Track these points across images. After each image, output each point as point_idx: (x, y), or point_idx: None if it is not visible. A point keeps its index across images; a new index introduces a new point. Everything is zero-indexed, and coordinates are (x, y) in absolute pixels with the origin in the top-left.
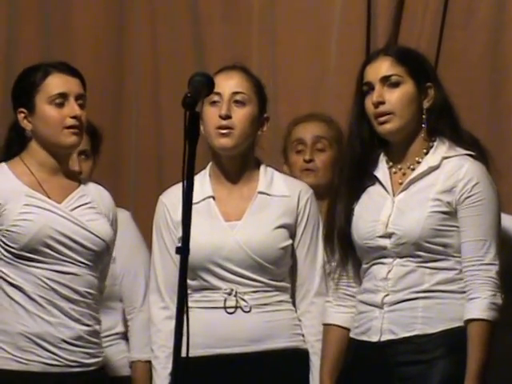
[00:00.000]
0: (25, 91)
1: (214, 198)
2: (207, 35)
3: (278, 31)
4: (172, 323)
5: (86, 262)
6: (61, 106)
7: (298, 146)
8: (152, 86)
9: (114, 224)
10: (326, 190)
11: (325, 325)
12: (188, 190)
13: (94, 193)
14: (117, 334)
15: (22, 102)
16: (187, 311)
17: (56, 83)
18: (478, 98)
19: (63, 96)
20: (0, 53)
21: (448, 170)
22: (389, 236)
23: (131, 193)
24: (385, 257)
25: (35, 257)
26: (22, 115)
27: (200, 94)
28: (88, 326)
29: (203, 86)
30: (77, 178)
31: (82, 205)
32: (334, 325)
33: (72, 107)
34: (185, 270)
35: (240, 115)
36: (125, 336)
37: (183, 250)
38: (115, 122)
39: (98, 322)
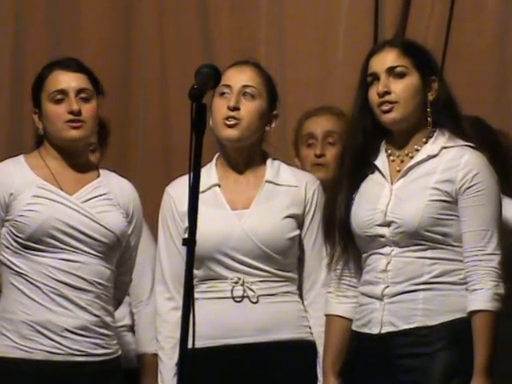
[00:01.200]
0: (34, 91)
1: (219, 185)
2: (215, 27)
3: (286, 23)
4: (177, 314)
5: (96, 253)
6: (60, 102)
7: (308, 140)
8: (159, 77)
9: (134, 216)
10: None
11: (326, 315)
12: (194, 182)
13: (113, 185)
14: (124, 326)
15: (34, 102)
16: (193, 302)
17: (55, 80)
18: (486, 90)
19: (62, 92)
20: (8, 48)
21: (448, 159)
22: (388, 224)
23: (139, 184)
24: (383, 246)
25: (41, 247)
26: (36, 116)
27: (206, 86)
28: (96, 316)
29: (210, 78)
30: (96, 170)
31: (96, 196)
32: (336, 315)
33: (70, 102)
34: (191, 261)
35: (248, 108)
36: (131, 328)
37: (190, 241)
38: (123, 114)
39: (109, 313)
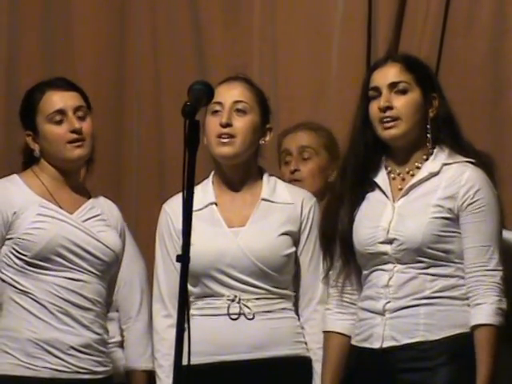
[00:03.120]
0: (27, 114)
1: (216, 204)
2: (208, 42)
3: (279, 38)
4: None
5: (96, 271)
6: (60, 122)
7: (286, 157)
8: (153, 93)
9: (122, 236)
10: (316, 198)
11: (325, 332)
12: (188, 198)
13: (104, 206)
14: (114, 342)
15: (27, 124)
16: (188, 319)
17: (51, 101)
18: (479, 106)
19: (61, 112)
20: (1, 59)
21: (449, 176)
22: (390, 242)
23: (133, 201)
24: (385, 263)
25: (46, 265)
26: (30, 138)
27: (200, 103)
28: (97, 334)
29: (203, 95)
30: (86, 192)
31: (93, 216)
32: (334, 332)
33: (71, 121)
34: (185, 278)
35: (241, 123)
36: (121, 344)
37: (183, 258)
38: (117, 130)
39: (107, 331)
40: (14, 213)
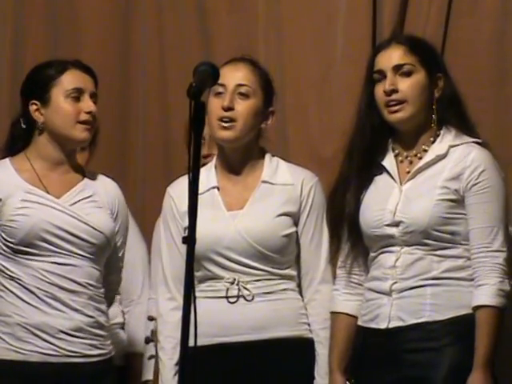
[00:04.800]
0: (39, 84)
1: (218, 188)
2: (213, 26)
3: (284, 22)
4: (178, 314)
5: (86, 254)
6: (76, 100)
7: None
8: (159, 77)
9: (119, 215)
10: None
11: (332, 313)
12: (193, 179)
13: (99, 186)
14: (116, 324)
15: (35, 94)
16: (194, 301)
17: (74, 78)
18: (485, 87)
19: (79, 91)
20: (7, 47)
21: (455, 157)
22: (396, 224)
23: (139, 184)
24: (392, 245)
25: (33, 250)
26: (34, 107)
27: (205, 84)
28: (90, 317)
29: (208, 76)
30: (81, 172)
31: (83, 199)
32: (342, 313)
33: (87, 103)
34: (191, 259)
35: (243, 107)
36: (123, 326)
37: (189, 239)
38: (122, 114)
39: (103, 313)
40: (0, 200)
